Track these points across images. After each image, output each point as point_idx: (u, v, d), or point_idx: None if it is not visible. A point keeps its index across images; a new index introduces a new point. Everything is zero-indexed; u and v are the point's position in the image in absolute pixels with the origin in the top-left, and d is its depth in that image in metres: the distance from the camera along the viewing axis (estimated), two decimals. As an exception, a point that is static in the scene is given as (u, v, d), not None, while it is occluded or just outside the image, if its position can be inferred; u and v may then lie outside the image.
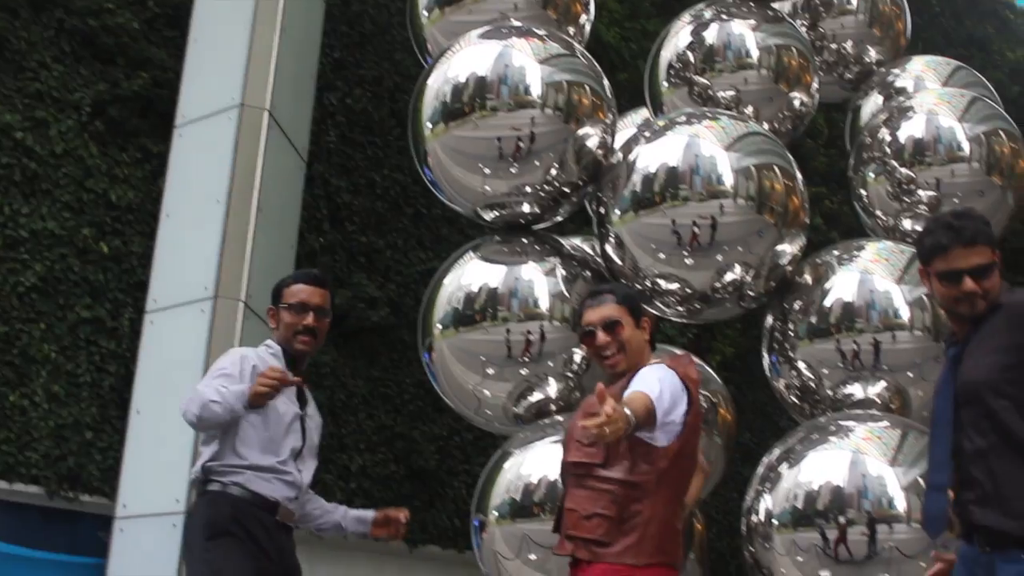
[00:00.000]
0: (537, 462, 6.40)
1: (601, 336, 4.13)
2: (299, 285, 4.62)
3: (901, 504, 5.79)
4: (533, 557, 6.32)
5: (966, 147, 6.97)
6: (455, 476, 12.89)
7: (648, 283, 6.59)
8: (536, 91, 6.68)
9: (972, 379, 3.52)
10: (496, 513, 6.50)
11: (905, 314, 6.36)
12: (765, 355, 6.99)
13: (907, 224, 7.11)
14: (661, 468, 4.01)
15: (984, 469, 3.44)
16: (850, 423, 6.28)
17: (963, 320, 3.72)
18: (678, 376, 4.04)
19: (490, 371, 6.63)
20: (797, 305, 6.70)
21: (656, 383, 3.93)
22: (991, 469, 3.42)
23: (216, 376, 4.36)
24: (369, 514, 4.71)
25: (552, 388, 6.63)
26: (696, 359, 7.44)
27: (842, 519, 5.86)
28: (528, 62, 6.73)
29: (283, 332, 4.59)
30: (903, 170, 7.05)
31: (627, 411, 3.53)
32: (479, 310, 6.65)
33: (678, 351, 6.09)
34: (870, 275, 6.58)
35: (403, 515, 4.69)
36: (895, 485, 5.84)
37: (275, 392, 4.13)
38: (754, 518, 6.35)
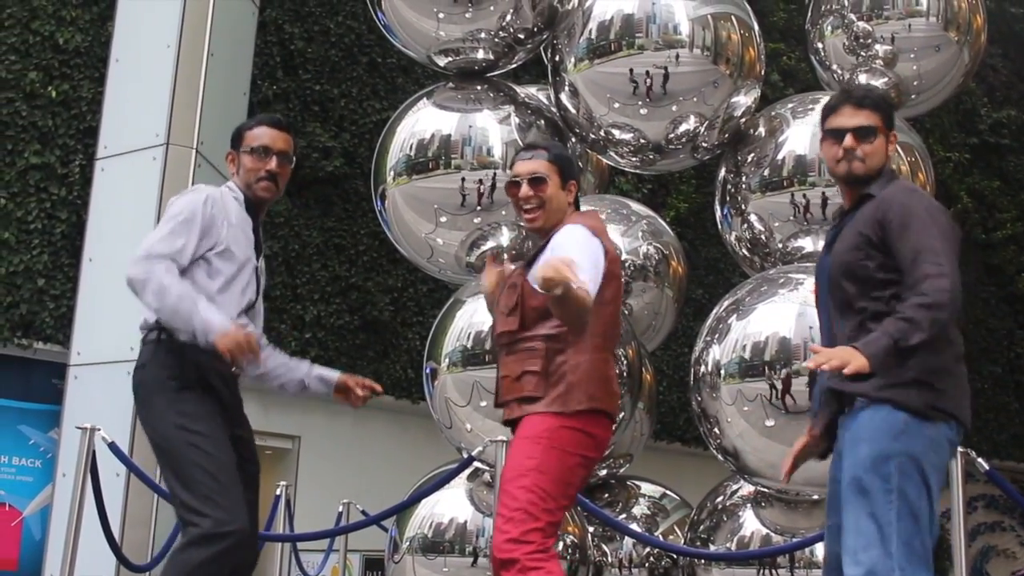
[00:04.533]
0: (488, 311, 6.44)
1: (525, 189, 4.20)
2: (262, 128, 4.44)
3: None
4: (484, 404, 6.40)
5: (924, 1, 6.93)
6: (409, 328, 12.97)
7: (602, 132, 6.55)
8: (492, -66, 6.54)
9: (834, 262, 3.69)
10: (448, 360, 6.56)
11: (856, 169, 6.35)
12: (717, 207, 7.01)
13: (863, 78, 7.08)
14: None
15: (838, 342, 3.60)
16: (799, 276, 6.34)
17: (846, 186, 3.82)
18: (589, 230, 4.11)
19: (443, 219, 6.61)
20: (750, 157, 6.70)
21: (574, 246, 4.01)
22: (841, 343, 3.58)
23: (171, 225, 4.16)
24: (333, 376, 4.57)
25: (504, 237, 6.62)
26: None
27: (788, 370, 5.95)
28: (484, -93, 6.58)
29: (244, 177, 4.42)
30: (860, 24, 7.00)
31: (570, 273, 3.59)
32: (433, 157, 6.60)
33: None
34: (824, 128, 6.55)
35: (360, 390, 4.54)
36: (841, 337, 5.90)
37: (236, 366, 4.08)
38: (702, 368, 6.44)
